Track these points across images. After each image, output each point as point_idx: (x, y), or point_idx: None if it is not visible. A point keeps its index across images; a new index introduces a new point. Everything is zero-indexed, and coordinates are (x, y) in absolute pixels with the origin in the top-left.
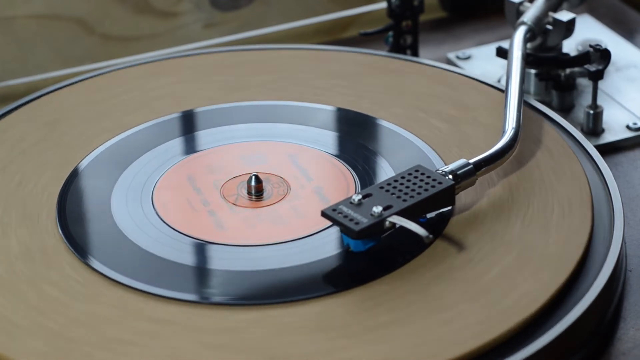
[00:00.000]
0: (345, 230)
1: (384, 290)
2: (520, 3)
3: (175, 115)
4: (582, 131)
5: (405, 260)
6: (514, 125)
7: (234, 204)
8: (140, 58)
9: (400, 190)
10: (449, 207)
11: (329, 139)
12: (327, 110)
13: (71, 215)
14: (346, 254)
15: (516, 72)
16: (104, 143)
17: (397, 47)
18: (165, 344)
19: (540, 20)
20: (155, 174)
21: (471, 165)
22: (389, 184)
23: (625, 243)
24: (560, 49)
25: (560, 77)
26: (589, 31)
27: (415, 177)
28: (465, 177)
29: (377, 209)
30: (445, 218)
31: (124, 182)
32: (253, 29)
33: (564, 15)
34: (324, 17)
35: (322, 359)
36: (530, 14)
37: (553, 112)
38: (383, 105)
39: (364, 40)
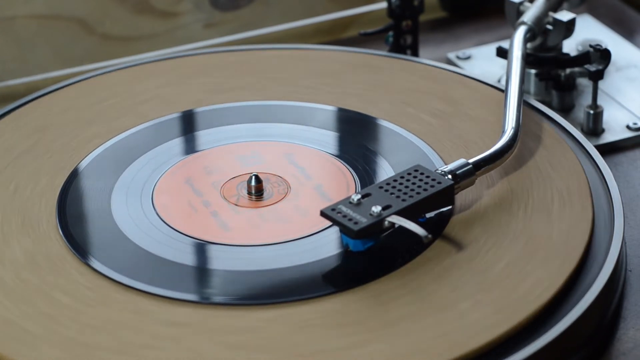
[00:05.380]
0: (344, 230)
1: (383, 290)
2: (521, 3)
3: (174, 115)
4: (582, 131)
5: (404, 260)
6: (513, 125)
7: (235, 205)
8: (140, 58)
9: (399, 190)
10: (449, 207)
11: (329, 139)
12: (327, 110)
13: (71, 216)
14: (345, 254)
15: (516, 72)
16: (104, 143)
17: (397, 47)
18: (182, 345)
19: (540, 20)
20: (154, 174)
21: (470, 165)
22: (388, 184)
23: (625, 243)
24: (560, 49)
25: (560, 77)
26: (589, 31)
27: (415, 177)
28: (464, 177)
29: (376, 209)
30: (444, 218)
31: (124, 182)
32: (253, 29)
33: (564, 15)
34: (324, 17)
35: (320, 358)
36: (531, 14)
37: (553, 112)
38: (383, 105)
39: (364, 40)
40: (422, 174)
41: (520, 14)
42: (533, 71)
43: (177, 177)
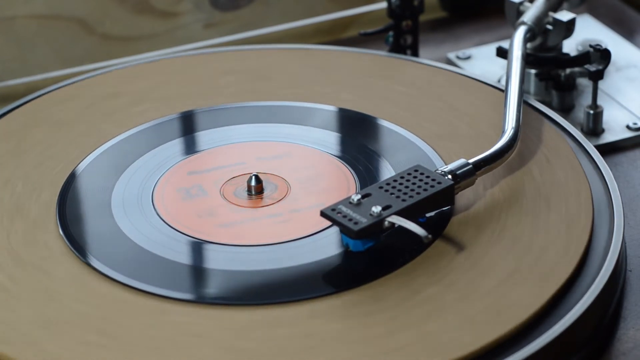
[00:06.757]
0: (344, 230)
1: (383, 290)
2: (521, 3)
3: (175, 115)
4: (582, 131)
5: (404, 260)
6: (513, 125)
7: (228, 202)
8: (140, 58)
9: (399, 190)
10: (449, 207)
11: (329, 139)
12: (327, 110)
13: (71, 216)
14: (346, 254)
15: (516, 72)
16: (104, 143)
17: (397, 47)
18: (163, 342)
19: (540, 20)
20: (154, 174)
21: (470, 165)
22: (388, 184)
23: (625, 243)
24: (560, 49)
25: (560, 77)
26: (589, 31)
27: (415, 177)
28: (464, 177)
29: (376, 209)
30: (445, 218)
31: (124, 183)
32: (253, 29)
33: (564, 15)
34: (324, 17)
35: (320, 358)
36: (531, 13)
37: (553, 112)
38: (383, 105)
39: (364, 40)
40: (422, 174)
41: (520, 14)
42: (533, 71)
43: (177, 177)
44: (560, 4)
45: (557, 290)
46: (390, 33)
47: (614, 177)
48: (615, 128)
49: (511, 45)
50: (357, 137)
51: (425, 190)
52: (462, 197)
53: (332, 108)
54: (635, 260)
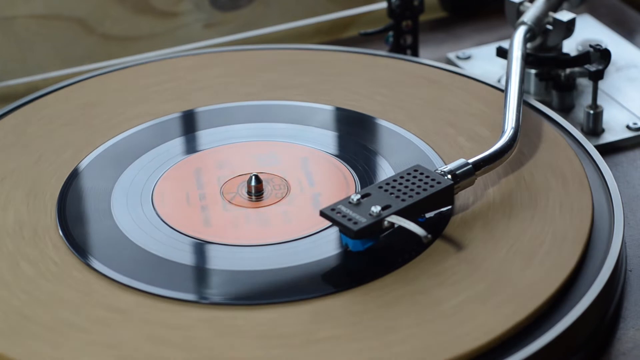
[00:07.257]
0: (343, 230)
1: (383, 290)
2: (521, 3)
3: (175, 115)
4: (582, 131)
5: (404, 260)
6: (513, 125)
7: (228, 202)
8: (140, 58)
9: (399, 190)
10: (448, 207)
11: (328, 138)
12: (327, 110)
13: (71, 216)
14: (345, 254)
15: (516, 72)
16: (104, 143)
17: (397, 47)
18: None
19: (540, 20)
20: (155, 174)
21: (470, 165)
22: (387, 184)
23: (625, 243)
24: (560, 49)
25: (560, 77)
26: (589, 31)
27: (414, 177)
28: (464, 177)
29: (376, 209)
30: (444, 218)
31: (124, 182)
32: (253, 29)
33: (564, 15)
34: (324, 17)
35: (320, 357)
36: (531, 13)
37: (553, 112)
38: (383, 105)
39: (364, 40)
40: (421, 174)
41: (520, 14)
42: (533, 71)
43: (177, 177)
44: (560, 4)
45: (557, 290)
46: (390, 33)
47: (614, 177)
48: (615, 128)
49: (511, 45)
50: (357, 137)
51: (424, 190)
52: (462, 197)
53: (332, 108)
54: (635, 260)
